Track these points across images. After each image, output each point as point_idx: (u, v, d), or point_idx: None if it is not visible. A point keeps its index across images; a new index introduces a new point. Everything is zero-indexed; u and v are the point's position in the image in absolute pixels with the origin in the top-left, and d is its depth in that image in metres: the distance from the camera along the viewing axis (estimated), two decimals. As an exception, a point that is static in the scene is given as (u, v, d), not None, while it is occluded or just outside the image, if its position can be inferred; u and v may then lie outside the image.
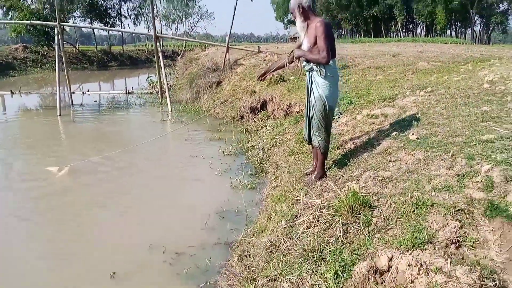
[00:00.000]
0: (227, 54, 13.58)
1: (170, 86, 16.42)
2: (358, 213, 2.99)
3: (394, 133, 4.41)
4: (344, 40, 58.62)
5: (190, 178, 6.16)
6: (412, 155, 3.58)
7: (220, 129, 9.33)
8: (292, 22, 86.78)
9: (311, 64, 3.90)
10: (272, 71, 4.79)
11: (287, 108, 9.10)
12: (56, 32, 12.88)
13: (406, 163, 3.50)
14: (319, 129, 4.01)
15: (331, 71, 3.90)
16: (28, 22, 23.08)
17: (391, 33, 71.22)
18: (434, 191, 2.84)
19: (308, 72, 4.05)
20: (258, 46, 14.85)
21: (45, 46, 33.98)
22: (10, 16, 32.96)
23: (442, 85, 6.81)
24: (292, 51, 4.20)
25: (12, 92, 16.99)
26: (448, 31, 64.05)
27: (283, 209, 3.84)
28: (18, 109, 14.47)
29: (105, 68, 39.28)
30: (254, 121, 9.61)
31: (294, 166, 5.04)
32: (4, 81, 25.22)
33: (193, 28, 58.65)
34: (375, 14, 64.60)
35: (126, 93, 16.80)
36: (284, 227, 3.39)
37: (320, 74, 3.87)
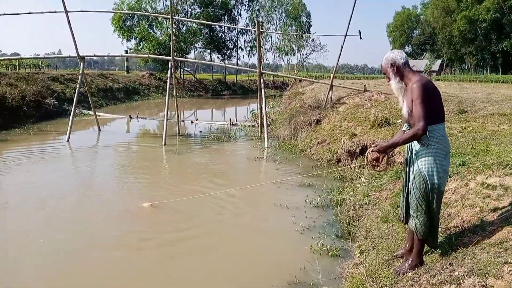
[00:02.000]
0: (330, 92, 13.10)
1: (272, 120, 16.45)
2: None
3: (515, 219, 3.48)
4: (466, 76, 54.01)
5: (267, 233, 5.72)
6: (539, 261, 2.70)
7: (312, 173, 8.81)
8: (409, 55, 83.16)
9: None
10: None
11: (389, 157, 8.23)
12: (169, 65, 13.73)
13: (528, 272, 2.64)
14: (417, 210, 3.29)
15: (438, 139, 3.19)
16: (146, 55, 25.25)
17: (524, 70, 63.76)
18: None
19: None
20: (364, 85, 14.09)
21: (167, 74, 37.12)
22: (141, 46, 36.85)
23: None
24: (376, 145, 3.55)
25: (130, 117, 18.59)
26: None
27: (361, 301, 3.19)
28: (135, 133, 15.85)
29: (218, 96, 41.57)
30: (351, 168, 8.89)
31: (384, 242, 4.30)
32: (128, 105, 27.99)
33: (305, 59, 59.46)
34: (505, 48, 58.53)
35: (230, 124, 17.21)
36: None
37: (422, 143, 3.20)
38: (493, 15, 56.74)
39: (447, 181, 5.27)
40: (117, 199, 7.12)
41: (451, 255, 3.33)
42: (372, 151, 3.65)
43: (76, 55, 13.36)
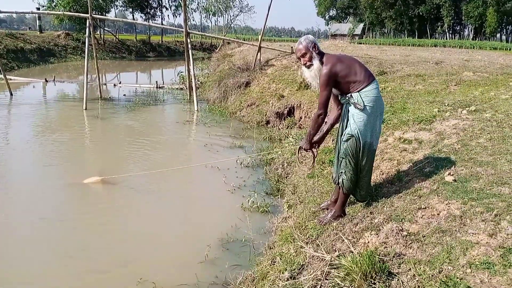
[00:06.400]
0: (259, 53, 13.08)
1: (201, 83, 16.14)
2: (372, 281, 2.45)
3: (428, 169, 3.79)
4: (386, 40, 56.76)
5: (198, 196, 5.73)
6: (447, 204, 2.98)
7: (243, 135, 8.88)
8: (333, 18, 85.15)
9: (346, 95, 3.34)
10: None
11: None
12: (88, 24, 12.79)
13: (438, 216, 2.91)
14: (346, 166, 3.41)
15: (371, 99, 3.26)
16: (61, 13, 22.99)
17: (437, 34, 68.42)
18: (470, 267, 2.26)
19: (344, 104, 3.48)
20: (292, 47, 14.23)
21: (85, 34, 34.48)
22: (55, 2, 33.70)
23: (487, 104, 6.06)
24: (299, 147, 3.78)
25: (46, 81, 17.21)
26: (498, 35, 60.89)
27: (290, 252, 3.34)
28: (52, 97, 14.80)
29: (143, 58, 39.65)
30: (279, 129, 9.08)
31: (311, 196, 4.50)
32: (44, 68, 25.85)
33: (233, 21, 58.37)
34: (421, 13, 62.15)
35: (157, 87, 16.63)
36: (286, 281, 2.89)
37: (357, 108, 3.27)
38: (411, -20, 59.70)
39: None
40: (44, 173, 6.65)
41: (371, 205, 3.57)
42: (299, 152, 3.92)
43: (-23, 10, 11.91)
